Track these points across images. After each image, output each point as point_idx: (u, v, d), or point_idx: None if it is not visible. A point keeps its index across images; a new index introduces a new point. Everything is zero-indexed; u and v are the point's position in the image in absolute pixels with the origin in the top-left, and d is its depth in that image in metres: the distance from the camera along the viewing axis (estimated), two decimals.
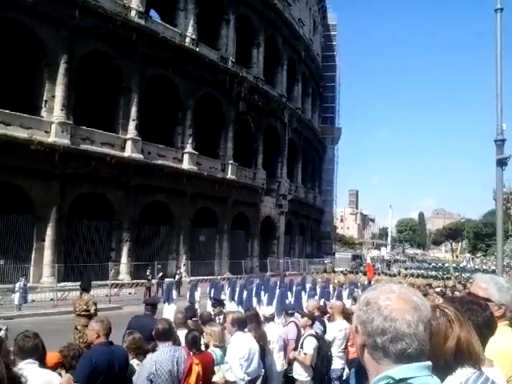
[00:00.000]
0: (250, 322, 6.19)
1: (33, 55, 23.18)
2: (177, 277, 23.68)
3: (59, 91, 23.06)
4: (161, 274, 22.78)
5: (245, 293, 13.43)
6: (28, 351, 3.70)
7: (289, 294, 14.06)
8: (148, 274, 22.50)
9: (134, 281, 24.51)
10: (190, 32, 30.85)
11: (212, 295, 13.33)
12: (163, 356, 4.48)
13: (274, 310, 7.73)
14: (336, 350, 7.55)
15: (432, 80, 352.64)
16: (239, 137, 35.51)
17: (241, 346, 5.65)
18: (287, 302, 12.11)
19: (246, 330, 5.96)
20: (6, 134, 20.59)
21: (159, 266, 23.67)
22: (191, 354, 4.93)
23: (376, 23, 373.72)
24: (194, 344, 5.19)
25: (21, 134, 21.23)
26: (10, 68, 23.26)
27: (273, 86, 41.01)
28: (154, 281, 22.29)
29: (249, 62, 38.03)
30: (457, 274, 38.39)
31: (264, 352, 6.42)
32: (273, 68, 41.80)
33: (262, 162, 38.46)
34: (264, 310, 7.62)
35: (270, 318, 7.16)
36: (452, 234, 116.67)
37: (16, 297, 17.30)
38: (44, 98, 22.95)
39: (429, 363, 1.27)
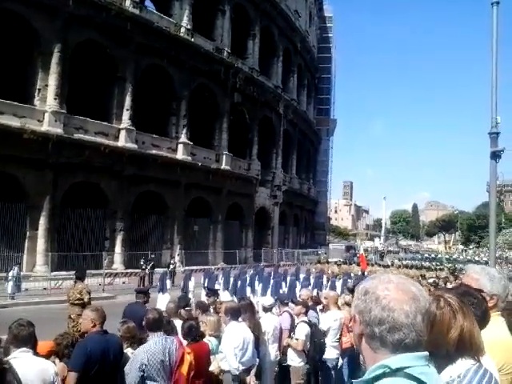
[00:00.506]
0: (244, 311, 6.20)
1: (26, 44, 22.94)
2: (171, 266, 23.69)
3: (52, 80, 22.86)
4: (151, 264, 22.77)
5: (239, 283, 13.51)
6: (23, 340, 3.70)
7: (283, 284, 14.17)
8: (142, 263, 22.52)
9: (128, 270, 24.50)
10: (185, 22, 30.59)
11: (206, 285, 13.38)
12: (155, 346, 4.48)
13: (274, 301, 7.74)
14: (331, 340, 7.60)
15: (428, 74, 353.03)
16: (234, 127, 35.41)
17: (235, 336, 5.67)
18: (281, 291, 12.22)
19: (240, 319, 5.97)
20: None
21: (153, 256, 23.67)
22: (184, 343, 4.95)
23: (372, 17, 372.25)
24: (189, 334, 5.20)
25: (14, 122, 21.06)
26: (4, 56, 22.96)
27: (268, 77, 40.85)
28: (147, 270, 22.32)
29: (244, 52, 37.85)
30: (450, 265, 38.67)
31: (258, 342, 6.46)
32: (268, 59, 41.61)
33: (256, 153, 38.42)
34: (263, 300, 7.64)
35: (269, 309, 7.18)
36: (445, 225, 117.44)
37: (9, 285, 17.25)
38: (37, 87, 22.75)
39: (426, 353, 1.28)
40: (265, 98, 39.11)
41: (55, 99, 22.85)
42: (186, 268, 24.77)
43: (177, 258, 27.68)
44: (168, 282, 15.63)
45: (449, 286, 13.79)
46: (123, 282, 22.24)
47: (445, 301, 1.86)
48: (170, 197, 29.34)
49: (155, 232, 28.88)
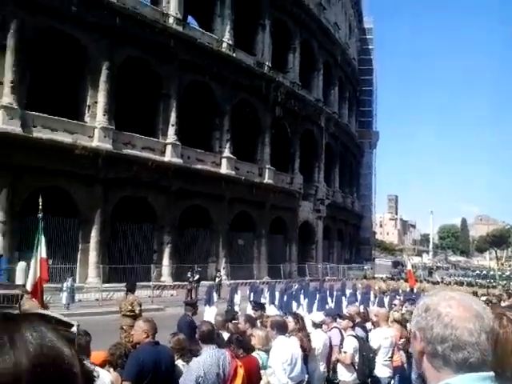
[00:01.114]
0: (294, 326, 6.09)
1: (76, 62, 23.85)
2: (216, 280, 23.83)
3: (101, 97, 23.69)
4: (197, 277, 22.91)
5: (285, 297, 13.33)
6: (80, 348, 3.71)
7: (329, 299, 13.88)
8: (189, 276, 22.72)
9: (176, 283, 24.83)
10: (227, 38, 31.14)
11: (252, 299, 13.28)
12: (210, 359, 4.44)
13: (324, 317, 7.57)
14: (382, 358, 7.37)
15: (475, 82, 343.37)
16: (276, 141, 35.53)
17: (283, 350, 5.58)
18: (327, 307, 11.93)
19: (289, 334, 5.88)
20: (53, 138, 21.30)
21: (199, 269, 23.85)
22: (235, 357, 4.88)
23: (414, 23, 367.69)
24: (238, 347, 5.11)
25: (66, 138, 21.91)
26: (56, 75, 24.04)
27: (309, 90, 40.87)
28: (194, 283, 22.53)
29: (285, 66, 38.11)
30: (504, 282, 36.93)
31: (307, 357, 6.31)
32: (309, 72, 41.68)
33: (299, 167, 38.36)
34: (313, 316, 7.52)
35: (319, 325, 7.06)
36: (497, 241, 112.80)
37: (64, 296, 17.78)
38: (87, 104, 23.63)
39: (491, 374, 1.21)
40: (306, 111, 39.11)
41: (104, 115, 23.64)
42: (232, 281, 24.84)
43: (222, 272, 27.79)
44: (214, 295, 15.61)
45: (503, 304, 13.07)
46: (171, 295, 22.53)
47: (508, 319, 1.72)
48: (215, 211, 29.61)
49: (201, 245, 29.13)
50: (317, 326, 7.00)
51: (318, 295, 14.06)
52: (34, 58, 21.70)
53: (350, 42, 53.18)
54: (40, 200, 8.92)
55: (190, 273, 22.99)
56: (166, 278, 25.54)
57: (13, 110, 20.50)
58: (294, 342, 5.79)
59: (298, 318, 6.60)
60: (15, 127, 20.40)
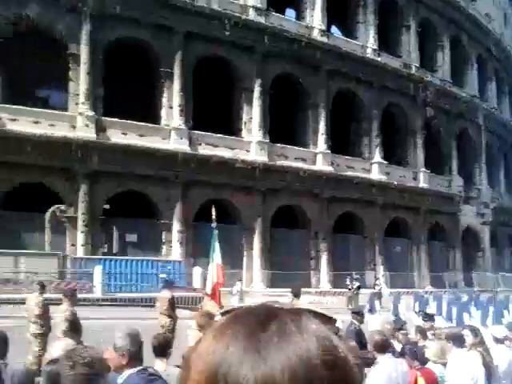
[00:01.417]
0: (474, 340, 5.75)
1: (231, 82, 25.83)
2: (376, 288, 23.31)
3: (255, 113, 25.24)
4: (357, 285, 22.64)
5: (453, 309, 12.57)
6: None
7: (505, 312, 12.77)
8: (348, 283, 22.63)
9: (335, 289, 24.99)
10: (371, 43, 30.82)
11: (418, 309, 12.83)
12: (389, 368, 4.40)
13: (508, 332, 6.95)
14: None
15: None
16: (429, 143, 33.73)
17: (463, 365, 5.18)
18: (503, 321, 10.96)
19: (467, 348, 5.46)
20: (216, 154, 23.37)
21: (357, 277, 23.61)
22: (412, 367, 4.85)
23: None
24: (413, 358, 5.02)
25: (226, 153, 23.83)
26: (214, 96, 26.08)
27: (462, 87, 38.07)
28: (354, 291, 22.37)
29: (433, 65, 36.18)
30: None
31: (489, 375, 5.86)
32: (461, 68, 38.87)
33: (457, 169, 35.76)
34: (494, 331, 6.95)
35: (501, 340, 6.42)
36: None
37: (234, 299, 18.97)
38: (243, 120, 25.37)
39: None
40: (460, 109, 36.47)
41: (259, 130, 25.14)
42: (392, 290, 24.14)
43: (381, 279, 27.10)
44: (377, 303, 15.31)
45: None
46: (332, 301, 22.64)
47: None
48: (367, 217, 29.17)
49: (355, 252, 28.91)
50: (499, 341, 6.38)
51: (490, 307, 13.05)
52: (196, 83, 24.04)
53: (505, 32, 48.17)
54: (213, 211, 9.51)
55: (348, 280, 22.89)
56: (325, 285, 25.89)
57: (181, 130, 23.12)
58: (474, 357, 5.35)
59: (477, 332, 6.18)
60: (184, 146, 22.93)
